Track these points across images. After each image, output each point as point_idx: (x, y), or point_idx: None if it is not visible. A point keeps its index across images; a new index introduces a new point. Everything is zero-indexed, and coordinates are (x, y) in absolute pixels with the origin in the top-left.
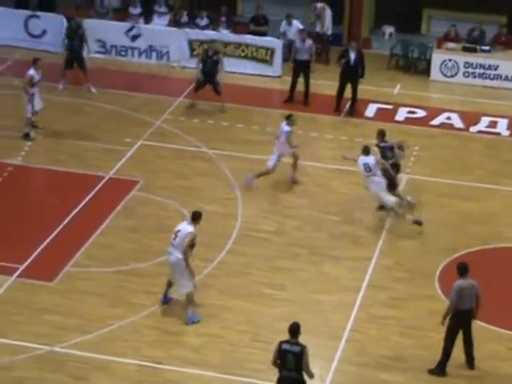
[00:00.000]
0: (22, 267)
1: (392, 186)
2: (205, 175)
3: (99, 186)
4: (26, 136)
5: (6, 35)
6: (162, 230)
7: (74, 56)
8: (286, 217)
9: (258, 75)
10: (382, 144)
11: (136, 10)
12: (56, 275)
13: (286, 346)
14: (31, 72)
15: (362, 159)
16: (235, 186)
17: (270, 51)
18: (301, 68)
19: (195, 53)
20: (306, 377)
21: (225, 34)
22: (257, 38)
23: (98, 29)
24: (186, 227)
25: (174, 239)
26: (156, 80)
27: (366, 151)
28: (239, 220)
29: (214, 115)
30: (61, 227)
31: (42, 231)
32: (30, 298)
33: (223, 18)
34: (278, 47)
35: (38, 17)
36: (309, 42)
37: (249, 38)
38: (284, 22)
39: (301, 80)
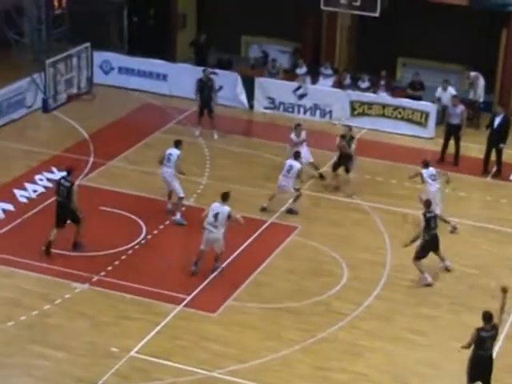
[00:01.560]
0: (189, 298)
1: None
2: (358, 225)
3: (262, 228)
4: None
5: (187, 88)
6: (317, 273)
7: (204, 105)
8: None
9: (413, 136)
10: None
11: (302, 70)
12: (218, 307)
13: (484, 334)
14: None
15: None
16: (386, 236)
17: (425, 114)
18: (452, 131)
19: (355, 113)
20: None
21: (384, 97)
22: (413, 101)
23: (268, 87)
24: (223, 208)
25: (216, 220)
26: (318, 135)
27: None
28: (387, 268)
29: (369, 170)
30: (225, 264)
31: (208, 267)
32: (195, 326)
33: (383, 82)
34: (432, 111)
35: (215, 73)
36: (461, 107)
37: (406, 102)
38: (439, 88)
39: (452, 142)
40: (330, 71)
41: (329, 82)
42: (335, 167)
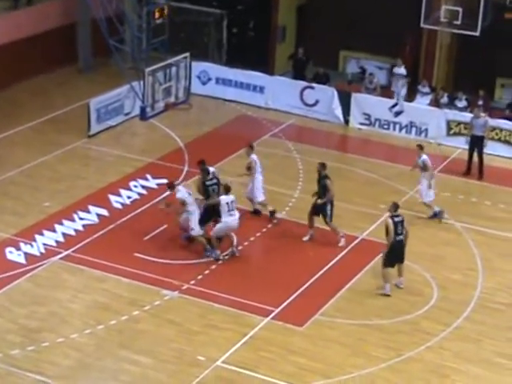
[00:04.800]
0: (277, 310)
1: None
2: (450, 245)
3: (352, 245)
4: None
5: (284, 102)
6: (406, 292)
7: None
8: None
9: (510, 158)
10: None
11: (399, 70)
12: (306, 321)
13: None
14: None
15: None
16: (478, 258)
17: None
18: (476, 143)
19: (451, 132)
20: None
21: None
22: (511, 123)
23: (365, 103)
24: (231, 197)
25: (233, 207)
26: (413, 153)
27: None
28: (478, 290)
29: (463, 190)
30: (314, 279)
31: (297, 280)
32: (281, 338)
33: (481, 102)
34: None
35: (312, 88)
36: (484, 118)
37: (503, 123)
38: None
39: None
40: (427, 89)
41: (426, 100)
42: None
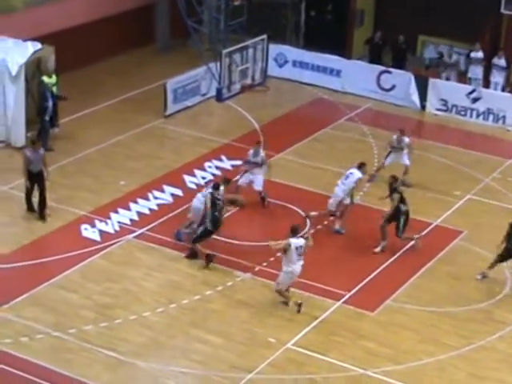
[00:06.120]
0: (348, 294)
1: None
2: None
3: (426, 231)
4: None
5: (361, 86)
6: (481, 280)
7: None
8: None
9: None
10: None
11: (478, 54)
12: (377, 306)
13: None
14: None
15: None
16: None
17: None
18: None
19: None
20: None
21: None
22: None
23: (442, 89)
24: (301, 240)
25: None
26: (490, 140)
27: None
28: None
29: None
30: (386, 264)
31: (369, 265)
32: (352, 323)
33: None
34: None
35: (389, 72)
36: None
37: None
38: None
39: None
40: (503, 62)
41: (500, 77)
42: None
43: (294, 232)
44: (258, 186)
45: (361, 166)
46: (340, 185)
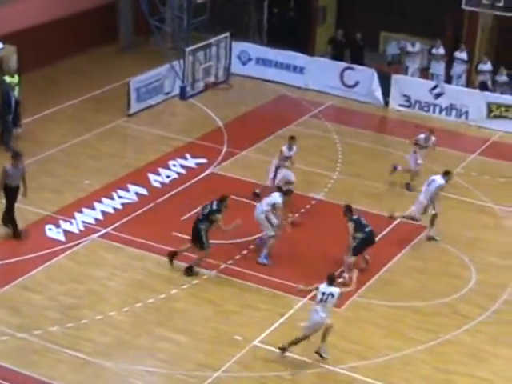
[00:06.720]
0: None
1: None
2: (490, 228)
3: (390, 227)
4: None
5: (324, 83)
6: (444, 275)
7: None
8: None
9: None
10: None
11: (439, 50)
12: (344, 303)
13: None
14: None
15: None
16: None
17: None
18: None
19: (492, 114)
20: None
21: None
22: None
23: (405, 85)
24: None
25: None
26: (453, 136)
27: None
28: None
29: (504, 174)
30: (353, 259)
31: (335, 261)
32: None
33: None
34: None
35: (352, 69)
36: None
37: None
38: None
39: None
40: (464, 55)
41: (461, 68)
42: None
43: (329, 280)
44: (292, 177)
45: (446, 174)
46: (423, 190)
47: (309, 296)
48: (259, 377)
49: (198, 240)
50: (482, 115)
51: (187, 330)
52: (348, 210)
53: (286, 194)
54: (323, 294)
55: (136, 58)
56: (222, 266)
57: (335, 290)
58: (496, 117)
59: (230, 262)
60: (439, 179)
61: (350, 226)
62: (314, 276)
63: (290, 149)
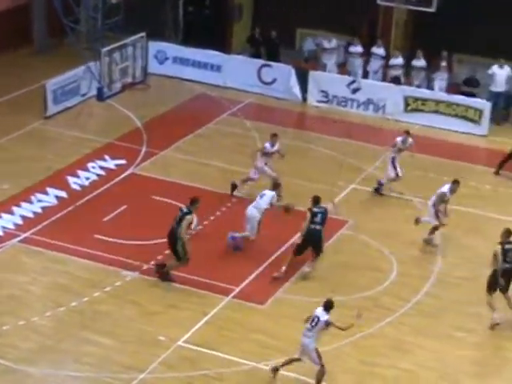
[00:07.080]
0: (237, 289)
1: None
2: (409, 221)
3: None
4: None
5: (242, 80)
6: (366, 268)
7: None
8: (481, 265)
9: (467, 133)
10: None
11: (356, 48)
12: (267, 299)
13: None
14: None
15: None
16: (437, 233)
17: (479, 112)
18: None
19: (409, 108)
20: None
21: (438, 93)
22: (467, 98)
23: (322, 80)
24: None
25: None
26: (371, 130)
27: None
28: (438, 265)
29: (421, 166)
30: (274, 257)
31: (258, 259)
32: (243, 317)
33: (444, 63)
34: (486, 108)
35: (270, 66)
36: None
37: (460, 98)
38: (495, 66)
39: None
40: (382, 51)
41: (377, 64)
42: None
43: (325, 307)
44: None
45: (454, 183)
46: (433, 197)
47: (231, 295)
48: (185, 377)
49: (173, 249)
50: (399, 109)
51: (112, 333)
52: (314, 200)
53: (275, 187)
54: (315, 316)
55: (51, 59)
56: (145, 267)
57: (324, 318)
58: (413, 110)
59: (153, 262)
60: (445, 187)
61: (308, 215)
62: (235, 273)
63: (272, 145)
